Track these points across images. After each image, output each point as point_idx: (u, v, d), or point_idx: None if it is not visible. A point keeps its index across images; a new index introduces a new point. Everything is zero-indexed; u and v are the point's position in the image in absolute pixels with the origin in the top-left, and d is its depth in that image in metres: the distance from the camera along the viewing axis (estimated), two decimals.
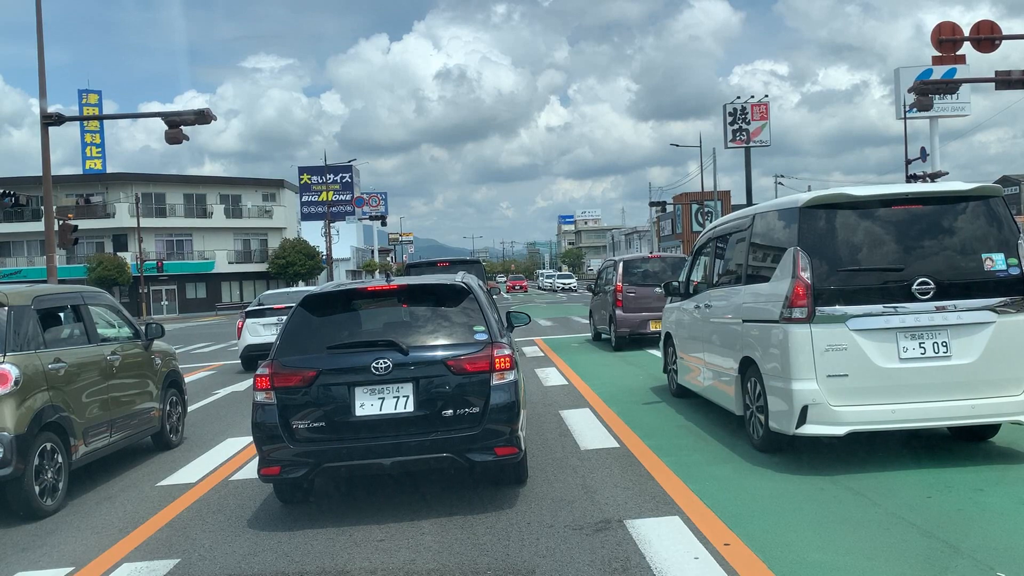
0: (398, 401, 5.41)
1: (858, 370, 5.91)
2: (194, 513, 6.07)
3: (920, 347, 5.93)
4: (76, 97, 67.82)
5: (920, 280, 5.94)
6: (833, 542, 4.61)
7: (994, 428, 6.63)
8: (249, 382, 13.40)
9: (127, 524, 5.92)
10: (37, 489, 6.13)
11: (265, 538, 5.35)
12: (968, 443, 6.72)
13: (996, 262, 6.05)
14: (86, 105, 63.00)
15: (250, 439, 6.50)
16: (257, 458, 5.68)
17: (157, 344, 8.72)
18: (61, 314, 7.35)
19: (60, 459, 6.45)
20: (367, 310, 6.09)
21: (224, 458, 7.98)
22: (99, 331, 7.67)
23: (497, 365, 5.52)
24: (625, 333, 15.88)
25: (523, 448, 5.75)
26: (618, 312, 15.88)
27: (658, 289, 13.19)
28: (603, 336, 17.77)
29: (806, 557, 4.40)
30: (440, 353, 5.54)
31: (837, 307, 5.98)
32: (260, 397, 5.53)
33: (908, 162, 38.40)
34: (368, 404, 5.41)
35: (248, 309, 17.01)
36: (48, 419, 6.30)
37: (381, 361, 5.42)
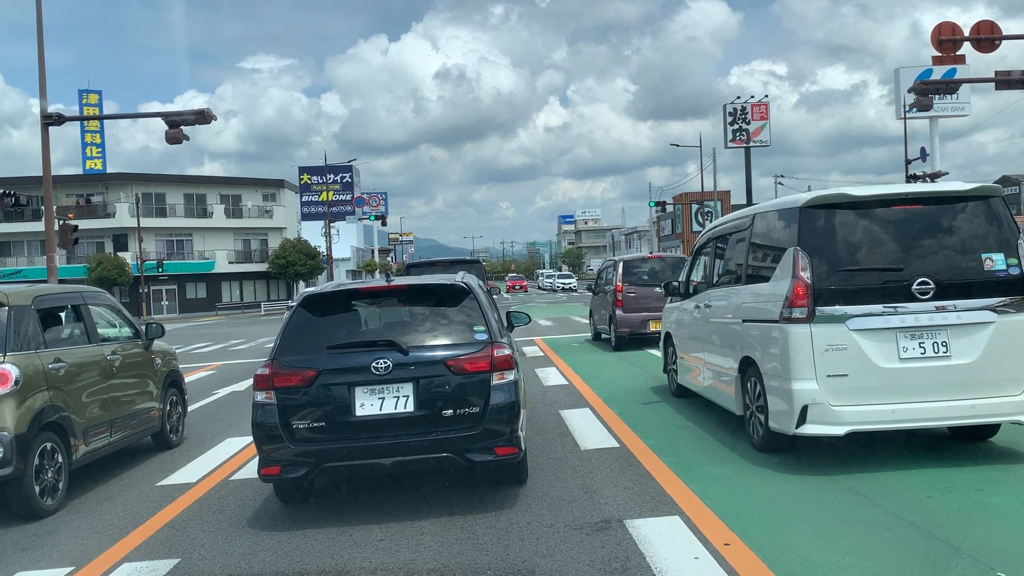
0: (398, 401, 5.41)
1: (858, 370, 5.91)
2: (194, 513, 6.07)
3: (920, 347, 5.93)
4: (76, 97, 67.90)
5: (920, 280, 5.94)
6: (833, 542, 4.61)
7: (994, 428, 6.63)
8: (249, 382, 13.40)
9: (127, 524, 5.92)
10: (37, 489, 6.13)
11: (265, 538, 5.35)
12: (968, 443, 6.72)
13: (996, 262, 6.05)
14: (86, 105, 62.99)
15: (250, 439, 6.50)
16: (257, 458, 5.68)
17: (157, 344, 8.73)
18: (61, 314, 7.35)
19: (60, 459, 6.45)
20: (367, 310, 6.09)
21: (224, 458, 7.98)
22: (99, 331, 7.67)
23: (497, 365, 5.52)
24: (625, 333, 15.89)
25: (523, 448, 5.75)
26: (618, 312, 15.89)
27: (658, 289, 13.20)
28: (603, 336, 17.77)
29: (806, 557, 4.40)
30: (440, 353, 5.53)
31: (837, 307, 5.98)
32: (260, 397, 5.53)
33: (908, 162, 38.45)
34: (368, 404, 5.41)
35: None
36: (48, 419, 6.30)
37: (381, 361, 5.42)
